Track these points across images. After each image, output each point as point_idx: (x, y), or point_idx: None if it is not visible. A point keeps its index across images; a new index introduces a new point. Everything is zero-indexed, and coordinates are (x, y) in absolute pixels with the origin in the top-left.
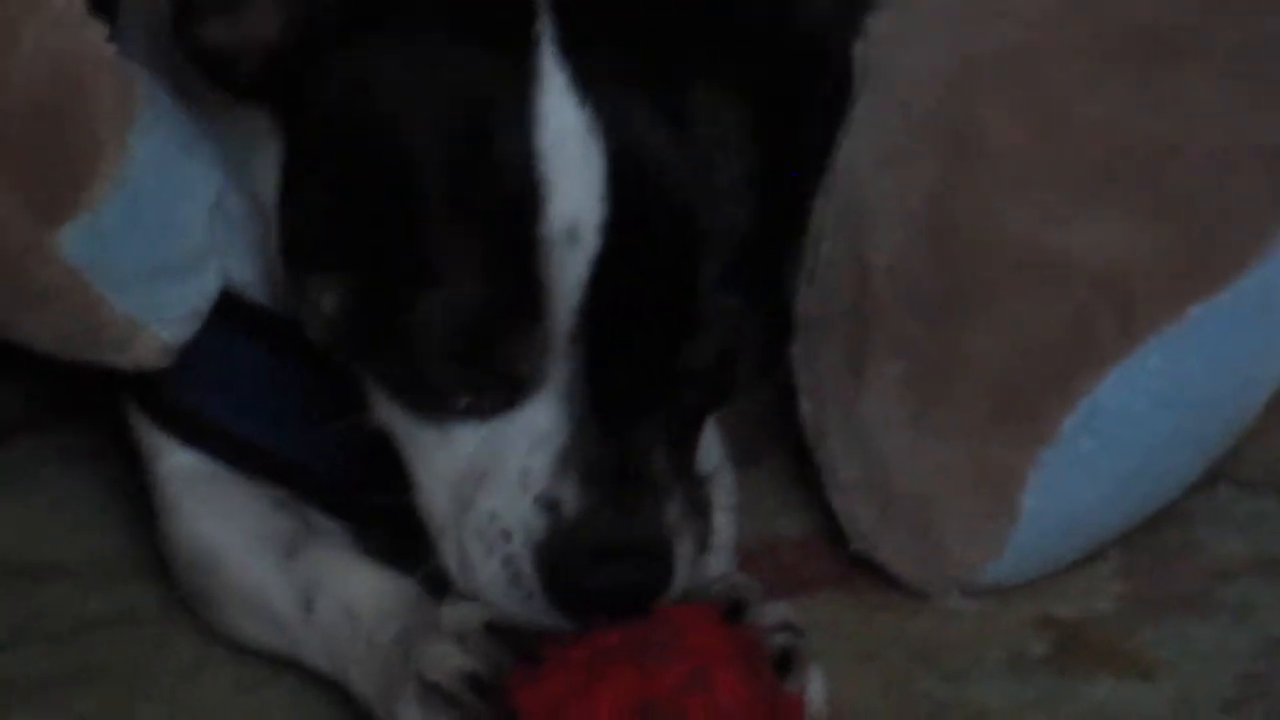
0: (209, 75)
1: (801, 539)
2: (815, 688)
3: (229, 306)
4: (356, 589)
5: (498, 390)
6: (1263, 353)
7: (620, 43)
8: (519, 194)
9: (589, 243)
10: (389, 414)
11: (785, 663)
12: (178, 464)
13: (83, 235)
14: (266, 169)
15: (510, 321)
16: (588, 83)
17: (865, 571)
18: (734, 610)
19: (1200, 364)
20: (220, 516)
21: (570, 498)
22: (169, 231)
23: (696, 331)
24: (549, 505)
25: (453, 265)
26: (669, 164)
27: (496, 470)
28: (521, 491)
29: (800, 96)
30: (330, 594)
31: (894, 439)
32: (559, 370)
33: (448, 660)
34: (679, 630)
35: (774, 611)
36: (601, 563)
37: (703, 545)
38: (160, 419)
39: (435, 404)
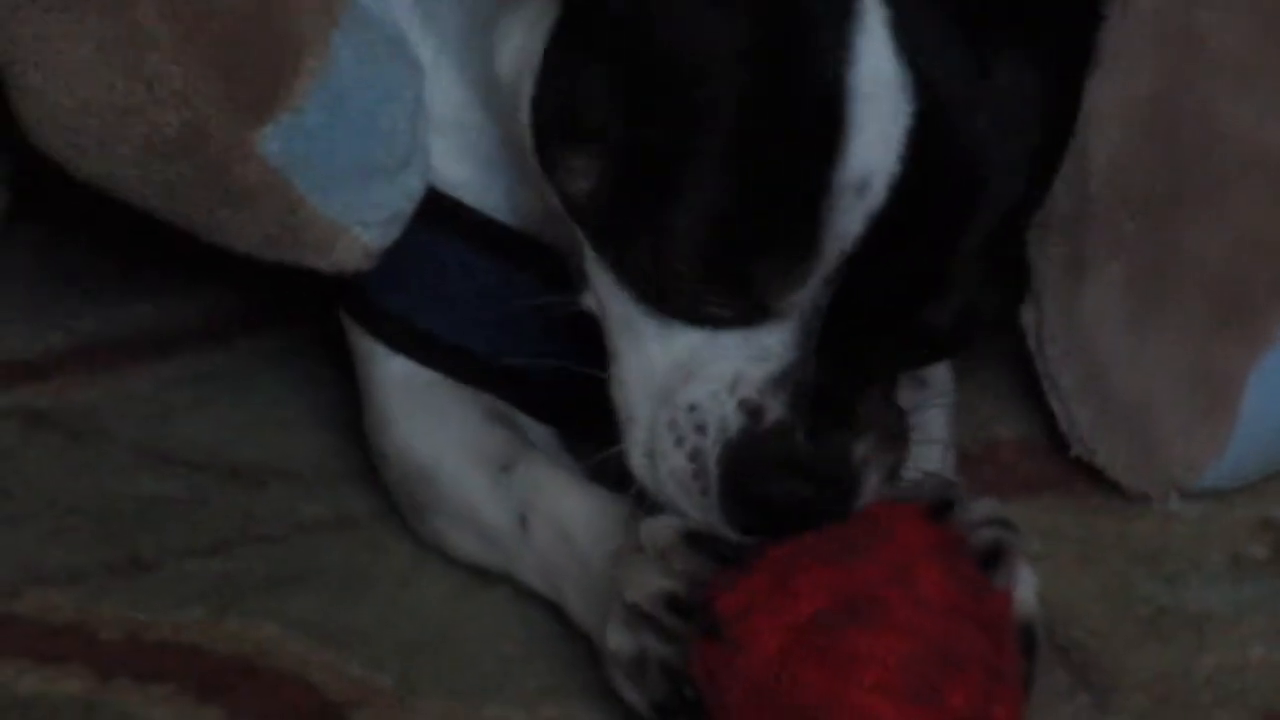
0: None
1: (1020, 443)
2: (1024, 585)
3: (436, 209)
4: (571, 509)
5: (739, 309)
6: None
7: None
8: (820, 130)
9: (876, 197)
10: (610, 298)
11: (993, 557)
12: (390, 371)
13: (285, 135)
14: (525, 45)
15: (777, 253)
16: (906, 33)
17: (1084, 475)
18: (939, 508)
19: None
20: (433, 428)
21: (774, 409)
22: (371, 132)
23: (946, 293)
24: (751, 411)
25: (734, 178)
26: (969, 133)
27: (708, 370)
28: (728, 393)
29: (1085, 64)
30: (545, 514)
31: (1113, 341)
32: (803, 306)
33: (647, 581)
34: (882, 528)
35: (982, 508)
36: (783, 476)
37: (892, 477)
38: (370, 325)
39: (670, 302)
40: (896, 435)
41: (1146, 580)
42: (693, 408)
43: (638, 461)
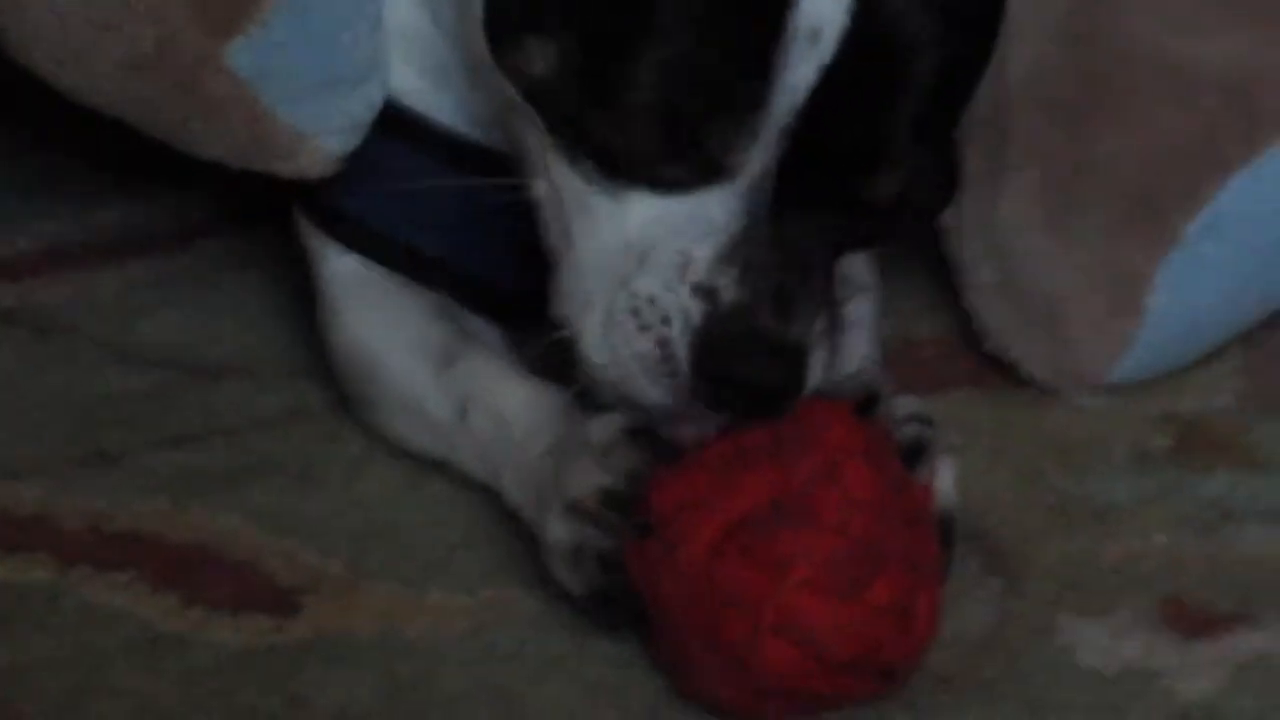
0: None
1: (938, 339)
2: (944, 477)
3: (389, 116)
4: (509, 400)
5: (692, 166)
6: None
7: None
8: None
9: (826, 48)
10: (564, 182)
11: (915, 452)
12: (341, 268)
13: (252, 48)
14: None
15: (732, 100)
16: None
17: (998, 370)
18: (865, 404)
19: None
20: (380, 323)
21: (728, 289)
22: (334, 45)
23: (888, 166)
24: (706, 293)
25: (689, 25)
26: (911, 4)
27: (658, 252)
28: (679, 278)
29: None
30: (483, 404)
31: (1028, 241)
32: (751, 166)
33: (587, 477)
34: (811, 427)
35: (904, 405)
36: (750, 355)
37: (832, 359)
38: (325, 224)
39: (626, 170)
40: (837, 319)
41: (1055, 471)
42: (653, 299)
43: (594, 346)
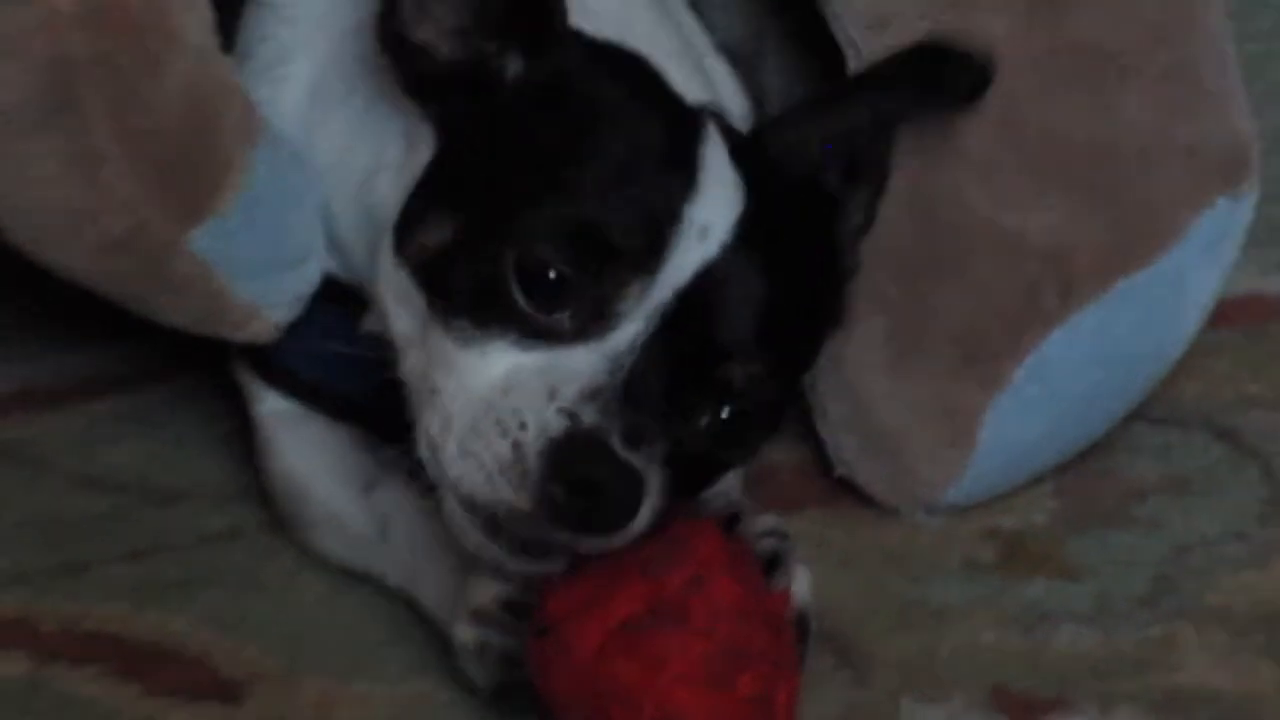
0: (403, 68)
1: (795, 465)
2: (800, 585)
3: (328, 283)
4: (422, 525)
5: (576, 322)
6: (1175, 320)
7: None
8: (678, 178)
9: (711, 245)
10: (435, 343)
11: (773, 564)
12: (273, 409)
13: (211, 235)
14: (411, 144)
15: (627, 266)
16: (739, 158)
17: (847, 493)
18: (729, 521)
19: (1125, 328)
20: (308, 454)
21: (589, 416)
22: (281, 231)
23: (740, 359)
24: (570, 414)
25: (596, 191)
26: (773, 248)
27: (526, 385)
28: (547, 401)
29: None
30: (401, 527)
31: (874, 382)
32: (626, 329)
33: (489, 587)
34: (682, 542)
35: (763, 522)
36: (595, 467)
37: (659, 516)
38: (261, 373)
39: (500, 322)
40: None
41: (896, 579)
42: (516, 410)
43: (451, 458)
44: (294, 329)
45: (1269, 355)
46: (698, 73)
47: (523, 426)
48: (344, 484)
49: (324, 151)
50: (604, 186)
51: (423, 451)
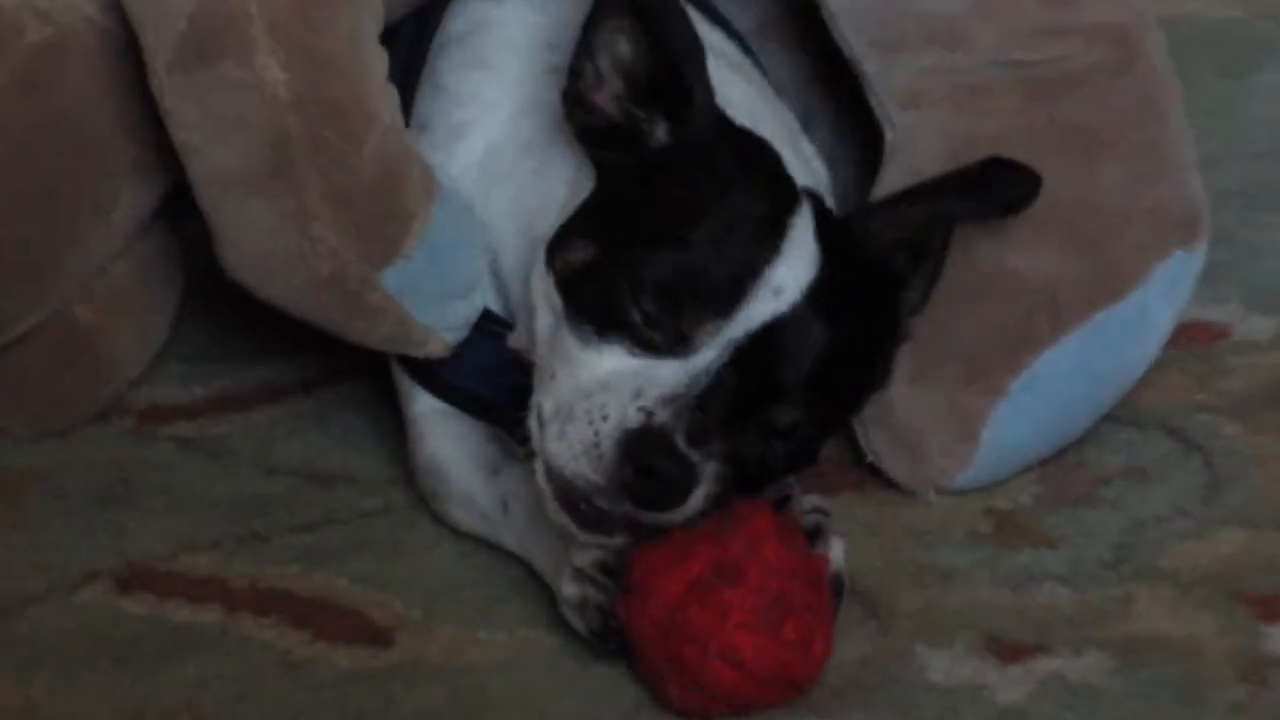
0: (578, 121)
1: (835, 457)
2: (836, 552)
3: (486, 316)
4: (537, 502)
5: (667, 338)
6: (1140, 345)
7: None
8: (765, 243)
9: (783, 303)
10: (561, 342)
11: (815, 535)
12: (424, 408)
13: (398, 274)
14: (575, 186)
15: (712, 305)
16: (821, 231)
17: (876, 478)
18: (780, 501)
19: (1101, 350)
20: (450, 444)
21: (661, 415)
22: (455, 269)
23: (789, 402)
24: (646, 413)
25: (701, 247)
26: (841, 307)
27: (620, 384)
28: (631, 400)
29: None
30: (520, 503)
31: (899, 390)
32: (705, 353)
33: (589, 554)
34: (741, 517)
35: (808, 501)
36: (659, 455)
37: (719, 502)
38: (418, 378)
39: (617, 331)
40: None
41: (912, 547)
42: (604, 404)
43: (553, 439)
44: (459, 349)
45: (1212, 370)
46: (800, 158)
47: (605, 418)
48: (476, 468)
49: (496, 203)
50: (705, 243)
51: (531, 423)
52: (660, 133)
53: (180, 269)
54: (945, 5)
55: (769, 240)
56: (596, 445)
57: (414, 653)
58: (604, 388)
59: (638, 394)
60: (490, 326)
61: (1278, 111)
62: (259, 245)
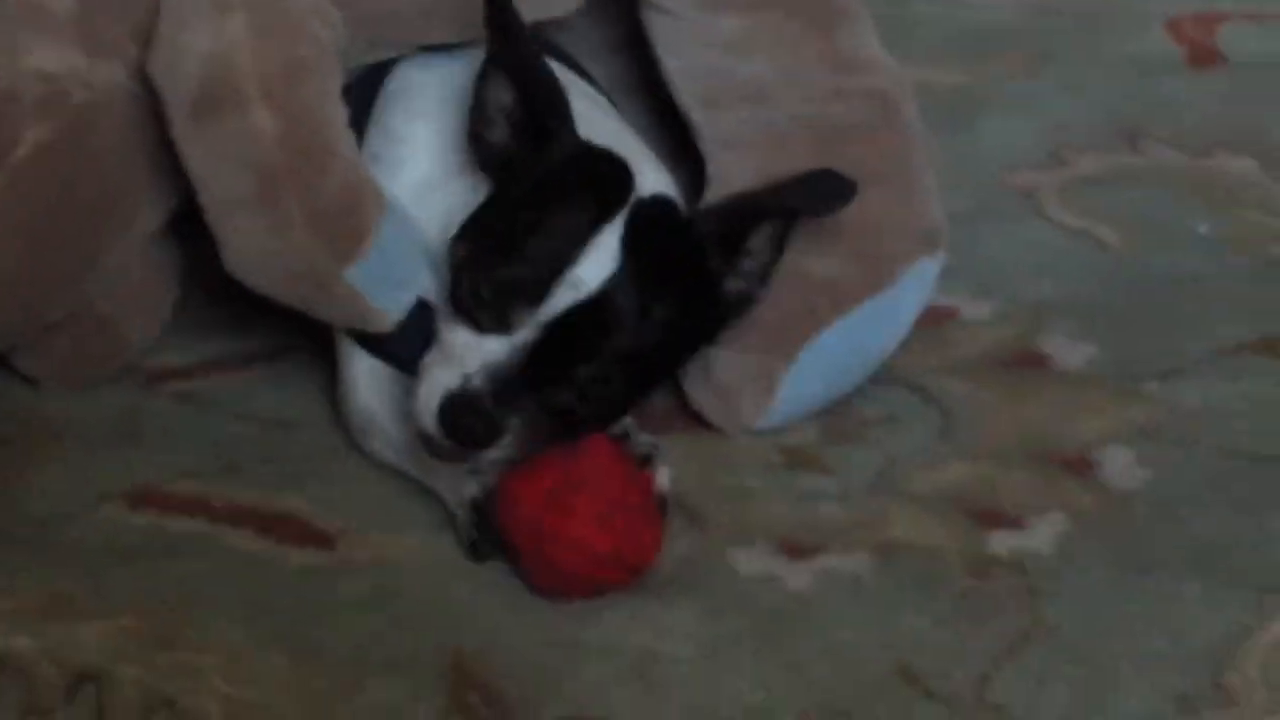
0: (479, 151)
1: (668, 406)
2: (662, 477)
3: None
4: None
5: (492, 320)
6: (895, 326)
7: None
8: (567, 248)
9: (582, 292)
10: (442, 320)
11: (646, 460)
12: (361, 367)
13: (357, 269)
14: (468, 205)
15: (526, 295)
16: (632, 233)
17: (697, 422)
18: (621, 436)
19: (866, 331)
20: (379, 395)
21: (477, 381)
22: (399, 266)
23: (591, 366)
24: (465, 378)
25: (520, 250)
26: (633, 305)
27: (455, 355)
28: (458, 367)
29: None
30: None
31: (718, 353)
32: (520, 334)
33: (473, 481)
34: (586, 446)
35: (644, 437)
36: (465, 412)
37: (537, 442)
38: (362, 342)
39: (462, 311)
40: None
41: (723, 473)
42: (434, 374)
43: (419, 402)
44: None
45: (945, 342)
46: (656, 170)
47: (439, 383)
48: (396, 417)
49: (429, 213)
50: (531, 248)
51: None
52: (530, 161)
53: (181, 266)
54: (757, 71)
55: (576, 245)
56: (429, 402)
57: (350, 553)
58: (446, 357)
59: (463, 362)
60: (420, 308)
61: (991, 151)
62: (252, 250)
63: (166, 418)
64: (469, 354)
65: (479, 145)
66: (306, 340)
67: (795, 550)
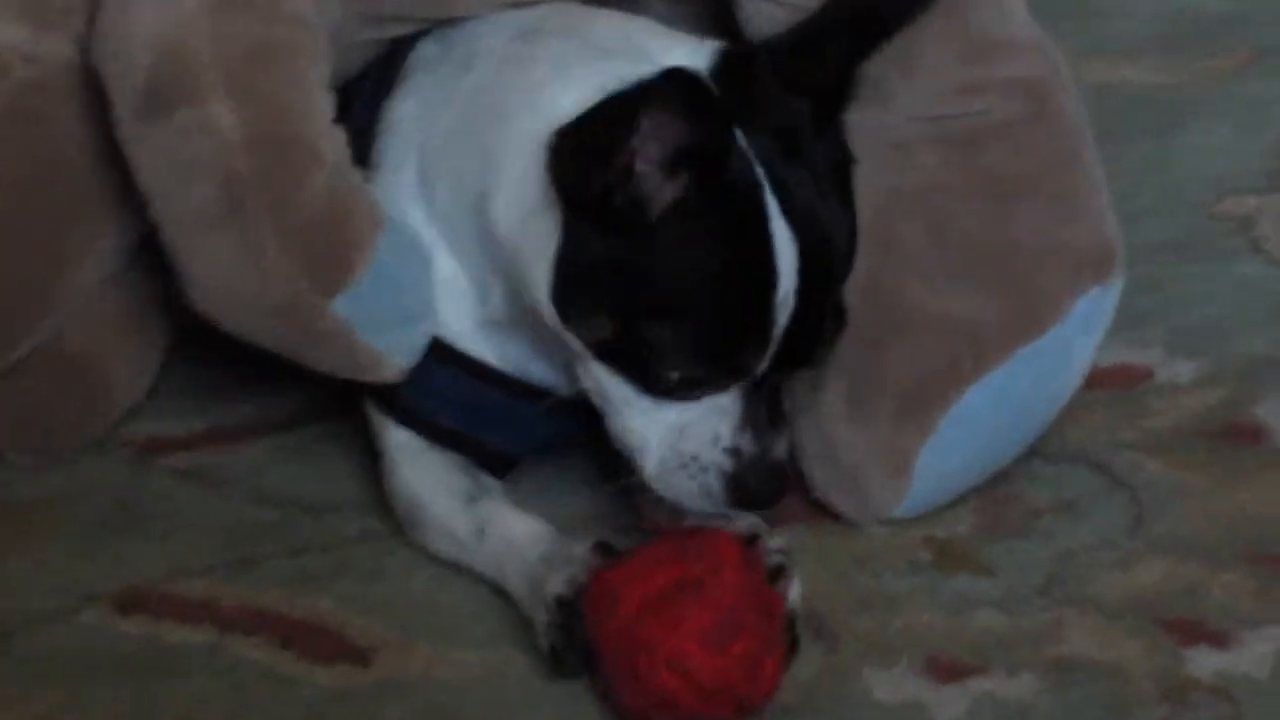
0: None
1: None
2: (794, 592)
3: (438, 347)
4: (513, 527)
5: (720, 381)
6: (1062, 379)
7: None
8: (770, 279)
9: (788, 308)
10: (612, 389)
11: (777, 574)
12: (398, 439)
13: (347, 301)
14: (522, 227)
15: (756, 345)
16: (797, 224)
17: (822, 511)
18: (750, 539)
19: (1024, 385)
20: (424, 475)
21: (746, 446)
22: (400, 298)
23: (818, 355)
24: (734, 452)
25: (706, 309)
26: (824, 273)
27: (694, 429)
28: (714, 446)
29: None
30: (496, 530)
31: (837, 428)
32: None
33: (561, 575)
34: (711, 545)
35: (775, 542)
36: (763, 483)
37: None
38: (389, 410)
39: (664, 392)
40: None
41: (858, 574)
42: (695, 457)
43: (654, 477)
44: (419, 379)
45: (1136, 410)
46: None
47: (704, 469)
48: (451, 497)
49: (439, 213)
50: (726, 312)
51: (625, 449)
52: (667, 196)
53: (171, 301)
54: (871, 67)
55: (769, 271)
56: (709, 493)
57: (392, 671)
58: (684, 437)
59: (716, 439)
60: (447, 358)
61: (1200, 169)
62: (218, 278)
63: (164, 499)
64: (703, 420)
65: (596, 171)
66: (335, 401)
67: (946, 671)
